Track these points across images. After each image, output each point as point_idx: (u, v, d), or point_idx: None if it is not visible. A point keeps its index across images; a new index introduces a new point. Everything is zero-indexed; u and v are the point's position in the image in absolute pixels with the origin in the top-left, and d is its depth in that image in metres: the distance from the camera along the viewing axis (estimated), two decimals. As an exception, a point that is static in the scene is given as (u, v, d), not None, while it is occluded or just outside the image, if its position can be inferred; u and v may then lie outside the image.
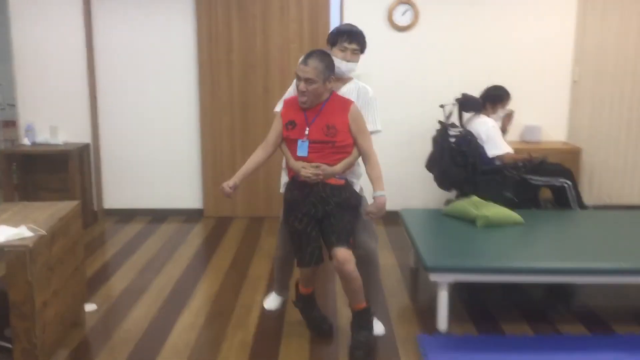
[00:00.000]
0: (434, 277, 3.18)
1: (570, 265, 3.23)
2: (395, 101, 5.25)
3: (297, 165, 2.90)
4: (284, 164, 3.14)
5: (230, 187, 2.88)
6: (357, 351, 2.94)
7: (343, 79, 3.11)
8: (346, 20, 5.08)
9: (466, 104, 4.49)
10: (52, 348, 2.83)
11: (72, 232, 3.12)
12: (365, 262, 3.08)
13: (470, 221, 3.78)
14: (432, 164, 4.54)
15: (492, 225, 3.71)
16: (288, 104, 3.02)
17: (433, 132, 4.54)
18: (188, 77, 5.36)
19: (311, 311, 3.18)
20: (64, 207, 3.12)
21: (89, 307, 3.47)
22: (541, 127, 5.30)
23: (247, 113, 5.35)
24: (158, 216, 5.50)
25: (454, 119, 4.53)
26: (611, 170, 5.41)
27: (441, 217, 3.98)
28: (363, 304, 2.97)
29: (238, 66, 5.30)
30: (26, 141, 5.21)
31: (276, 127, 2.99)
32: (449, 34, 5.25)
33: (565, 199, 4.49)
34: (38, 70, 5.29)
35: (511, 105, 4.69)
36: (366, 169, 2.96)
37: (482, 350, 3.02)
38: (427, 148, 4.58)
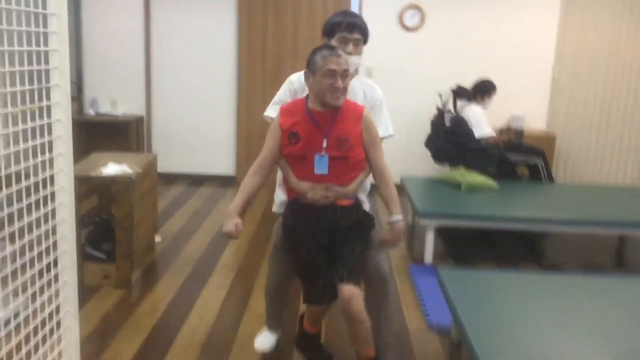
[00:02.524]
0: (423, 222, 4.15)
1: (531, 215, 4.19)
2: (402, 91, 6.22)
3: (303, 185, 2.41)
4: (279, 180, 2.75)
5: (237, 230, 2.35)
6: None
7: None
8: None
9: (460, 93, 5.44)
10: (139, 259, 3.82)
11: (152, 176, 4.11)
12: (377, 288, 2.71)
13: (456, 186, 4.75)
14: (430, 142, 5.48)
15: (473, 189, 4.67)
16: (288, 112, 2.47)
17: (431, 117, 5.49)
18: (229, 62, 6.34)
19: (316, 352, 2.80)
20: (145, 157, 4.11)
21: (157, 238, 4.47)
22: (524, 116, 6.24)
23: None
24: (196, 180, 6.50)
25: (449, 106, 5.47)
26: (582, 155, 6.38)
27: (433, 183, 4.94)
28: (371, 353, 2.52)
29: (271, 54, 6.27)
30: (91, 112, 6.21)
31: (273, 145, 2.45)
32: (449, 34, 6.21)
33: (538, 176, 5.46)
34: (102, 53, 6.30)
35: (500, 97, 5.64)
36: (379, 188, 2.50)
37: (457, 276, 4.00)
38: (425, 129, 5.52)
